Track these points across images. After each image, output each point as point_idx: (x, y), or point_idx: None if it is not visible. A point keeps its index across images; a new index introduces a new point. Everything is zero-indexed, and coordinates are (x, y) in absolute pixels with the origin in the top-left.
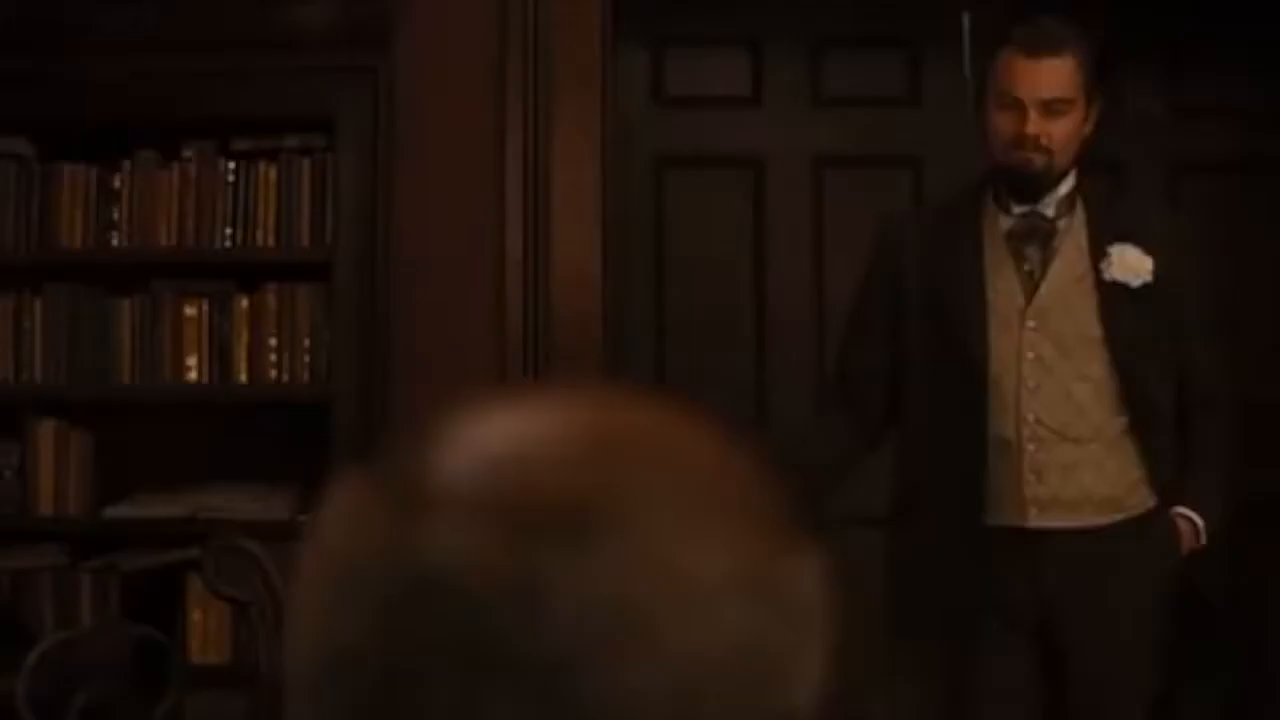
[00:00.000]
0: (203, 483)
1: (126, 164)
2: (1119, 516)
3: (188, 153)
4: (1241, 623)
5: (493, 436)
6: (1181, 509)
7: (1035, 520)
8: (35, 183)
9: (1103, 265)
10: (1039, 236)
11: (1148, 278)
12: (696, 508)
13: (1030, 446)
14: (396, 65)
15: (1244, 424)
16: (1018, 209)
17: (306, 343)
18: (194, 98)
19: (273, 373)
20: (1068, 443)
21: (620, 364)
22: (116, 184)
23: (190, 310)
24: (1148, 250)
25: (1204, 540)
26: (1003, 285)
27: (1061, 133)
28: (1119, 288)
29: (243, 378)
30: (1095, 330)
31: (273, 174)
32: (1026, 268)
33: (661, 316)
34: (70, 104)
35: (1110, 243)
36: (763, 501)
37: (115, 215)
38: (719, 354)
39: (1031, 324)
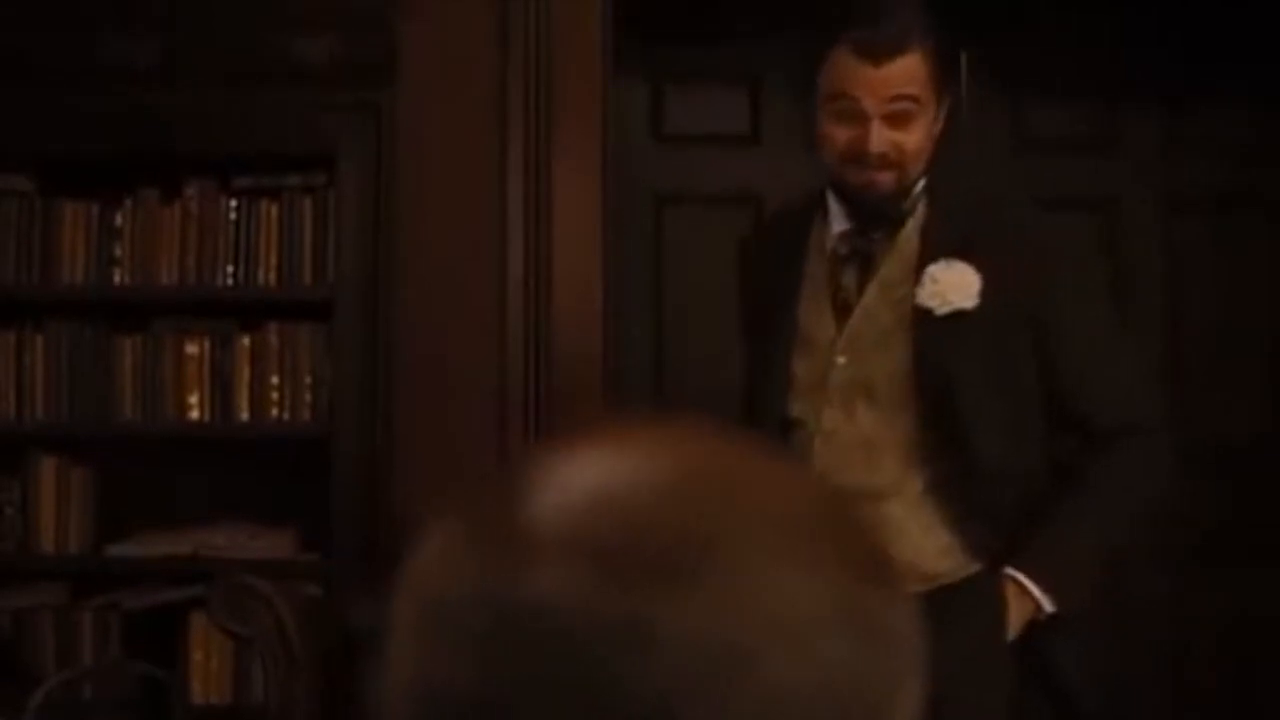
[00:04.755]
0: (204, 521)
1: (128, 201)
2: (924, 587)
3: (189, 190)
4: None
5: (583, 476)
6: (1012, 570)
7: None
8: (37, 219)
9: (917, 289)
10: (859, 255)
11: (967, 302)
12: (790, 543)
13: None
14: (398, 102)
15: (1175, 463)
16: (836, 223)
17: (308, 381)
18: (196, 134)
19: (274, 411)
20: (862, 500)
21: (622, 400)
22: (118, 221)
23: (192, 348)
24: (986, 266)
25: (1048, 609)
26: (816, 311)
27: (912, 143)
28: (929, 316)
29: (244, 416)
30: (906, 363)
31: (274, 212)
32: (842, 293)
33: (660, 353)
34: (72, 140)
35: (938, 257)
36: (851, 535)
37: (117, 252)
38: (718, 392)
39: (841, 359)
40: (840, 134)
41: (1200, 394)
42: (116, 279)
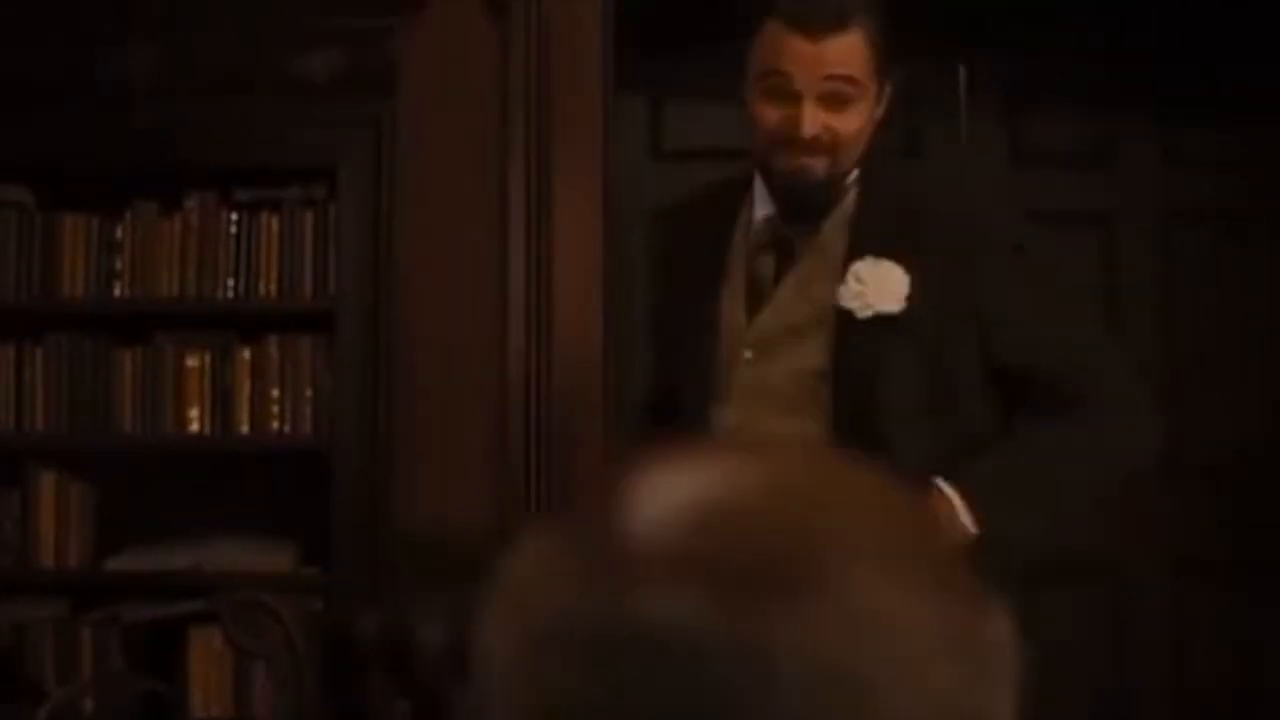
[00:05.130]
0: (204, 534)
1: (128, 214)
2: None
3: (190, 203)
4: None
5: (681, 493)
6: (938, 480)
7: None
8: (36, 232)
9: (840, 288)
10: (778, 244)
11: (892, 307)
12: (892, 563)
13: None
14: (398, 115)
15: (1154, 421)
16: (760, 208)
17: (308, 393)
18: (196, 147)
19: (275, 423)
20: None
21: (623, 414)
22: (118, 234)
23: (192, 361)
24: (918, 266)
25: (969, 529)
26: (731, 299)
27: (847, 128)
28: (850, 318)
29: (245, 428)
30: (820, 364)
31: (275, 224)
32: (756, 283)
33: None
34: (72, 153)
35: (863, 255)
36: (943, 552)
37: (117, 265)
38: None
39: (748, 354)
40: (770, 114)
41: (1197, 408)
42: (117, 291)
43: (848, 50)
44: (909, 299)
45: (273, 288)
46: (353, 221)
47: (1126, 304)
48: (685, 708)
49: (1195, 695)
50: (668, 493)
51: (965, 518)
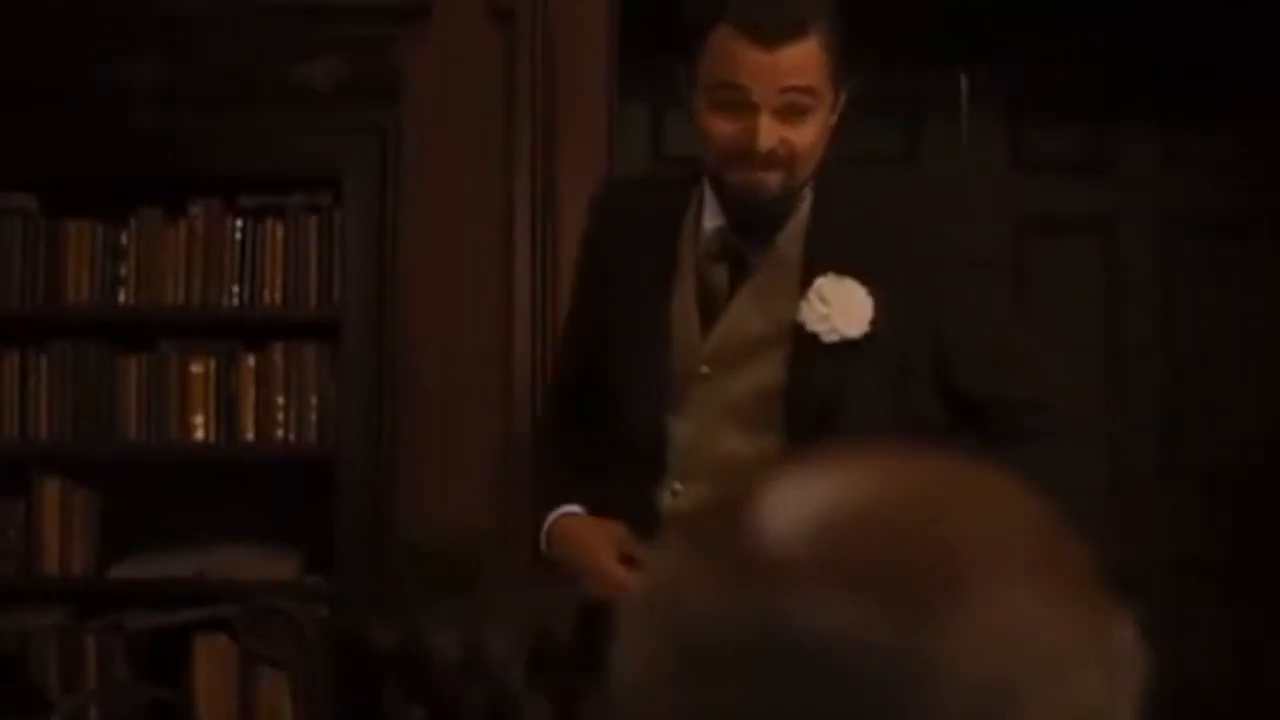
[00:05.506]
0: (208, 542)
1: (133, 221)
2: None
3: (195, 210)
4: None
5: (821, 499)
6: None
7: None
8: (41, 239)
9: (801, 304)
10: (729, 255)
11: (857, 331)
12: (1034, 570)
13: (676, 522)
14: (403, 123)
15: (1094, 446)
16: (710, 219)
17: (314, 401)
18: (201, 154)
19: (280, 432)
20: None
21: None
22: (123, 241)
23: (197, 368)
24: (879, 285)
25: None
26: (682, 312)
27: (805, 139)
28: (812, 338)
29: (250, 436)
30: (778, 382)
31: (280, 231)
32: (712, 298)
33: None
34: (76, 160)
35: (826, 272)
36: (1073, 555)
37: (122, 272)
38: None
39: (704, 369)
40: (724, 127)
41: (1196, 414)
42: (121, 298)
43: (805, 59)
44: (872, 322)
45: (278, 295)
46: (357, 229)
47: (1127, 308)
48: (842, 718)
49: (1195, 695)
50: (805, 500)
51: None
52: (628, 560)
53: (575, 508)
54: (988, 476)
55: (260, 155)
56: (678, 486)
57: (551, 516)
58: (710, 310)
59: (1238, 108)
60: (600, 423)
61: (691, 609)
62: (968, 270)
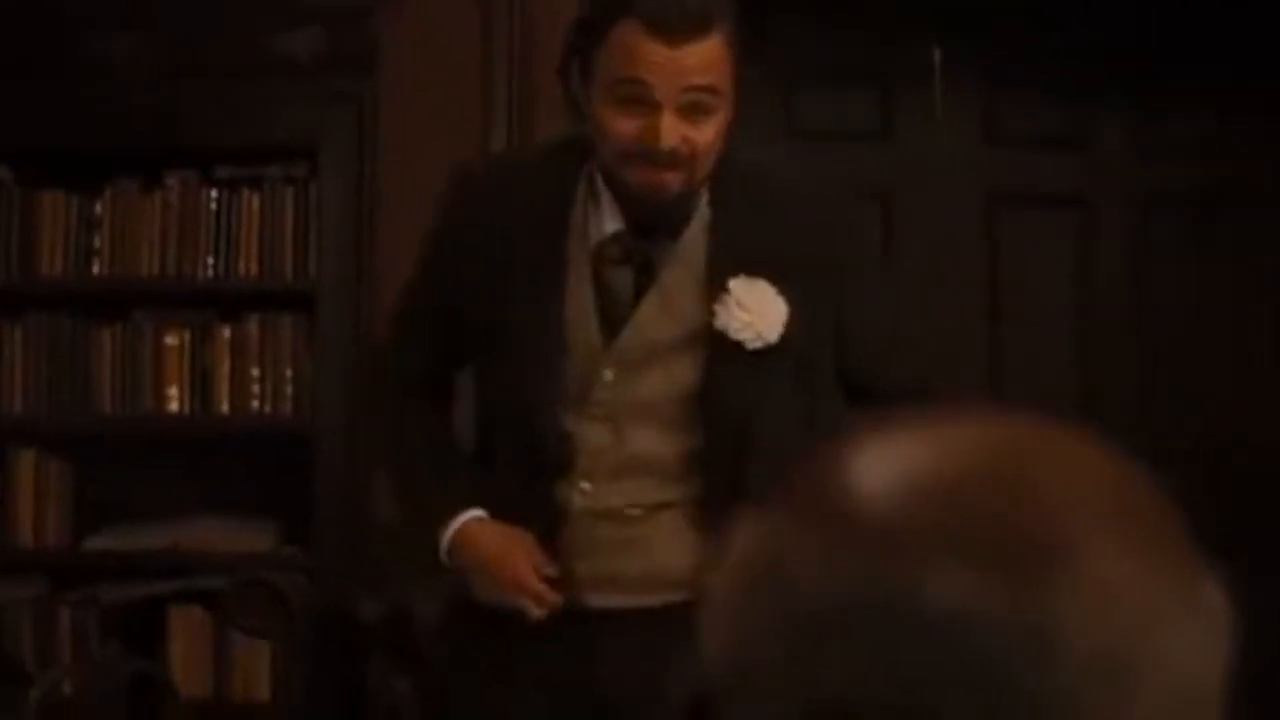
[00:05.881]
0: (184, 514)
1: (108, 191)
2: (679, 595)
3: (170, 181)
4: None
5: (914, 468)
6: None
7: (590, 600)
8: (15, 210)
9: (716, 307)
10: (637, 260)
11: (775, 335)
12: (1128, 532)
13: (585, 520)
14: (380, 93)
15: None
16: (609, 222)
17: (289, 373)
18: (176, 125)
19: (254, 403)
20: (629, 515)
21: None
22: (97, 211)
23: (171, 340)
24: (788, 283)
25: None
26: (580, 316)
27: (706, 138)
28: (724, 339)
29: (224, 408)
30: (693, 385)
31: (256, 203)
32: (614, 302)
33: None
34: (51, 130)
35: (735, 272)
36: (1165, 515)
37: (96, 243)
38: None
39: (609, 374)
40: (624, 125)
41: (1167, 392)
42: (95, 270)
43: (709, 57)
44: (786, 325)
45: (253, 267)
46: (334, 201)
47: (1099, 285)
48: (970, 686)
49: None
50: (900, 468)
51: None
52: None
53: (479, 512)
54: (1071, 439)
55: (236, 126)
56: (586, 486)
57: (455, 523)
58: (611, 314)
59: (1212, 86)
60: (488, 422)
61: (802, 580)
62: (873, 264)
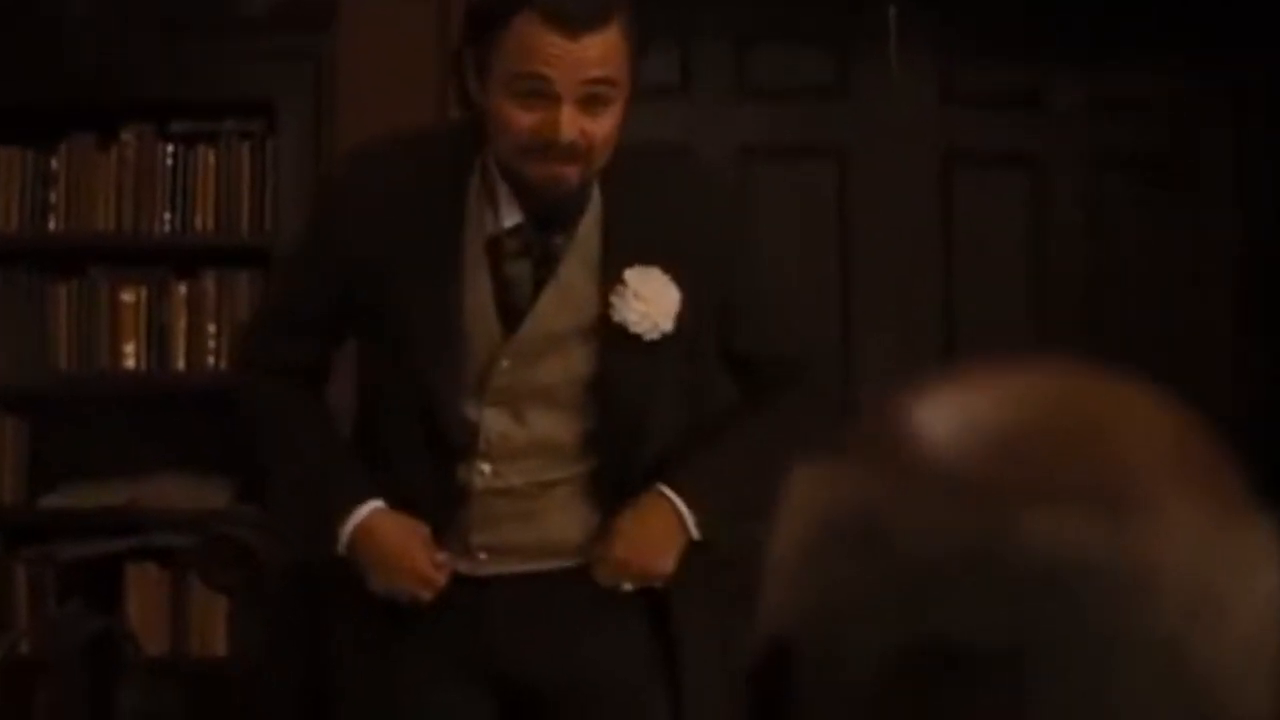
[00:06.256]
0: (140, 471)
1: (63, 147)
2: (575, 562)
3: (126, 136)
4: None
5: (994, 418)
6: (664, 488)
7: (485, 568)
8: None
9: (613, 299)
10: (534, 253)
11: (668, 323)
12: (1198, 479)
13: (485, 498)
14: (338, 49)
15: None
16: (507, 216)
17: None
18: (132, 80)
19: (211, 360)
20: (528, 496)
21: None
22: (53, 166)
23: (128, 296)
24: (680, 271)
25: (695, 535)
26: (478, 308)
27: (604, 130)
28: (622, 330)
29: (181, 365)
30: (590, 372)
31: (212, 158)
32: (513, 294)
33: None
34: (6, 86)
35: (630, 262)
36: (1226, 467)
37: (52, 199)
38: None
39: (505, 363)
40: (523, 118)
41: (1123, 351)
42: (51, 226)
43: (607, 49)
44: (678, 316)
45: (210, 222)
46: (291, 156)
47: (1054, 245)
48: (1069, 631)
49: None
50: (979, 418)
51: (690, 522)
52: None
53: (377, 503)
54: (1131, 389)
55: (193, 81)
56: (486, 468)
57: (354, 518)
58: (510, 306)
59: (1165, 46)
60: (376, 402)
61: (899, 531)
62: (758, 246)
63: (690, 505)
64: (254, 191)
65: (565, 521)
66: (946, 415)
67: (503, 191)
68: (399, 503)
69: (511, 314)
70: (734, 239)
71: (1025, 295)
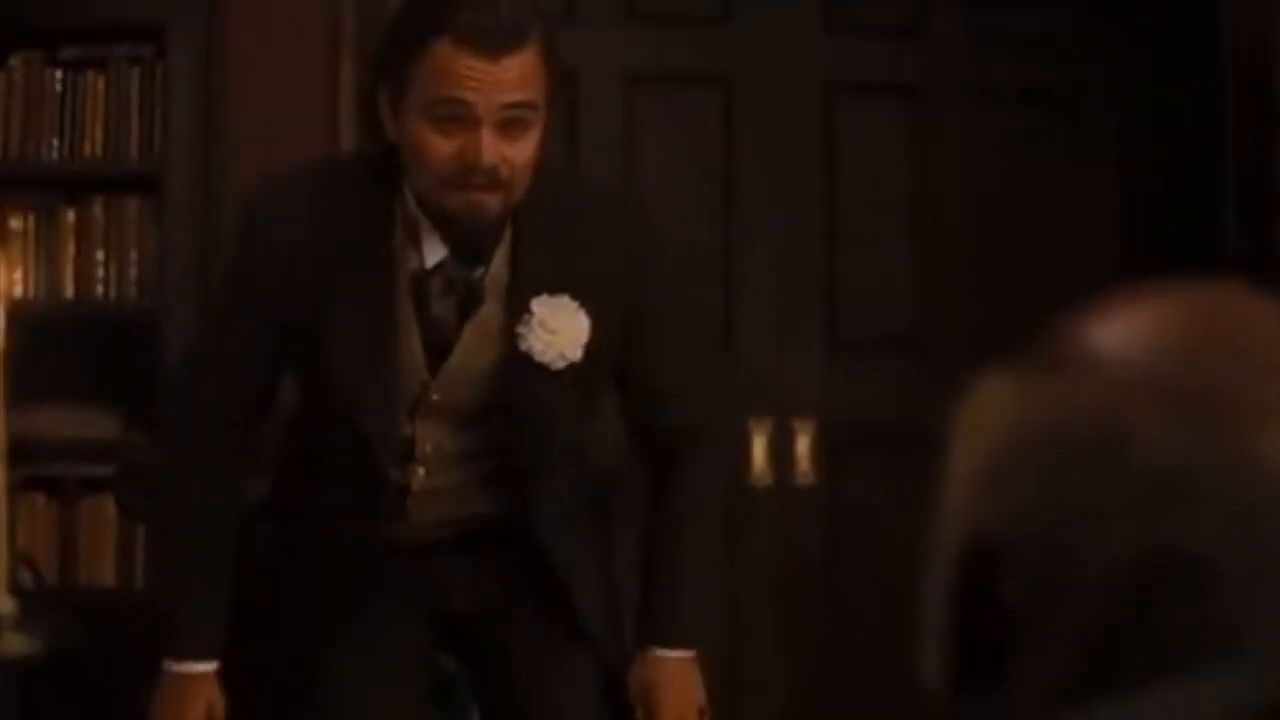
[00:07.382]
0: (27, 401)
1: None
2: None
3: (14, 61)
4: None
5: (1236, 339)
6: (659, 651)
7: (427, 536)
8: None
9: (520, 329)
10: (458, 290)
11: (576, 353)
12: None
13: (422, 494)
14: None
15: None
16: (430, 253)
17: (134, 257)
18: (20, 5)
19: (100, 288)
20: (458, 488)
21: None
22: None
23: (15, 223)
24: (590, 298)
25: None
26: (405, 345)
27: (523, 156)
28: (529, 359)
29: (69, 293)
30: (505, 400)
31: (101, 84)
32: (439, 332)
33: None
34: None
35: (538, 291)
36: None
37: None
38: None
39: (435, 396)
40: (443, 145)
41: (1005, 280)
42: None
43: (526, 71)
44: (586, 345)
45: (98, 148)
46: (182, 81)
47: (935, 176)
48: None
49: None
50: (1145, 336)
51: (691, 654)
52: None
53: (197, 666)
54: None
55: (82, 7)
56: (422, 472)
57: (171, 663)
58: (435, 342)
59: None
60: (314, 411)
61: (1139, 443)
62: (668, 273)
63: (687, 644)
64: (144, 117)
65: (486, 499)
66: (1143, 334)
67: (424, 228)
68: (349, 498)
69: (437, 350)
70: (644, 269)
71: (908, 224)
